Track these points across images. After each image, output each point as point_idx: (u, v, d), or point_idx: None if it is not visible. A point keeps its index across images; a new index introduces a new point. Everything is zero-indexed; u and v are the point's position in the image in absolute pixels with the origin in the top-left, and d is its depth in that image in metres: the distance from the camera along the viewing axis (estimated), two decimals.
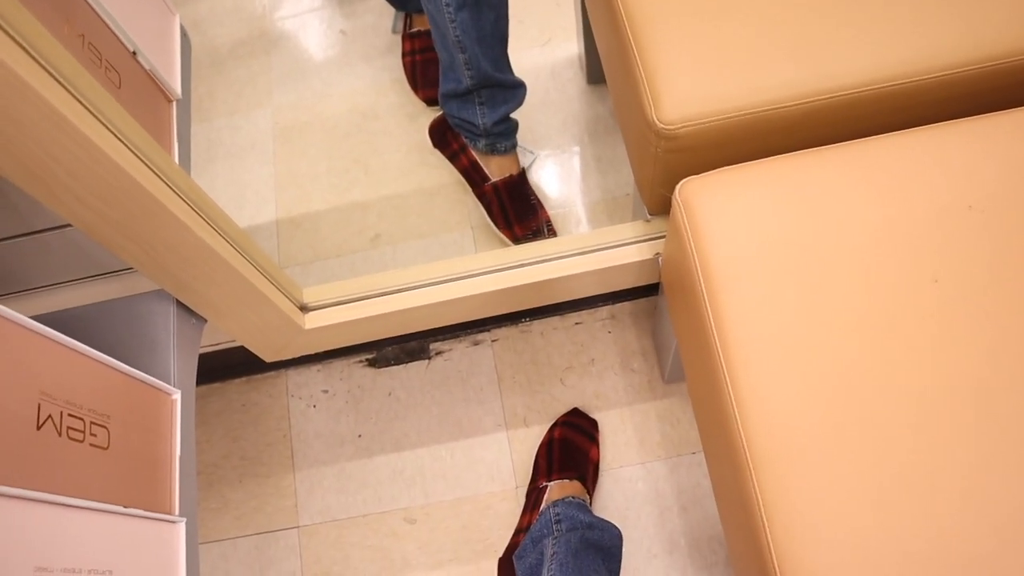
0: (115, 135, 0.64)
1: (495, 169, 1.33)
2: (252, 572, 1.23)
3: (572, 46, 1.51)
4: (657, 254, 0.99)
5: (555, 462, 1.18)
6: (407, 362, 1.30)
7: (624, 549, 1.16)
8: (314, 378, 1.31)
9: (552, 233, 1.34)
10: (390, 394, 1.29)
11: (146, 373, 0.86)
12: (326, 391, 1.31)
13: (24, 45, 0.55)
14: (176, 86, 0.92)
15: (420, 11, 1.49)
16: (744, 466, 0.69)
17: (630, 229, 1.00)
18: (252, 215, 1.44)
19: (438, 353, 1.31)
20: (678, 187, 0.80)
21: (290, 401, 1.31)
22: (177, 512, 0.80)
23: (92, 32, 0.76)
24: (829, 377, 0.70)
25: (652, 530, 1.18)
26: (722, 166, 0.81)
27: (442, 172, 1.42)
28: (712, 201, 0.78)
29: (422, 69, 1.48)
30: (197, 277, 0.82)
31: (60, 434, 0.64)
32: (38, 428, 0.62)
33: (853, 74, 0.81)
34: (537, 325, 1.31)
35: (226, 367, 1.31)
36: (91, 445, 0.68)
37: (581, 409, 1.25)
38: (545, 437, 1.23)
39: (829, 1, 0.83)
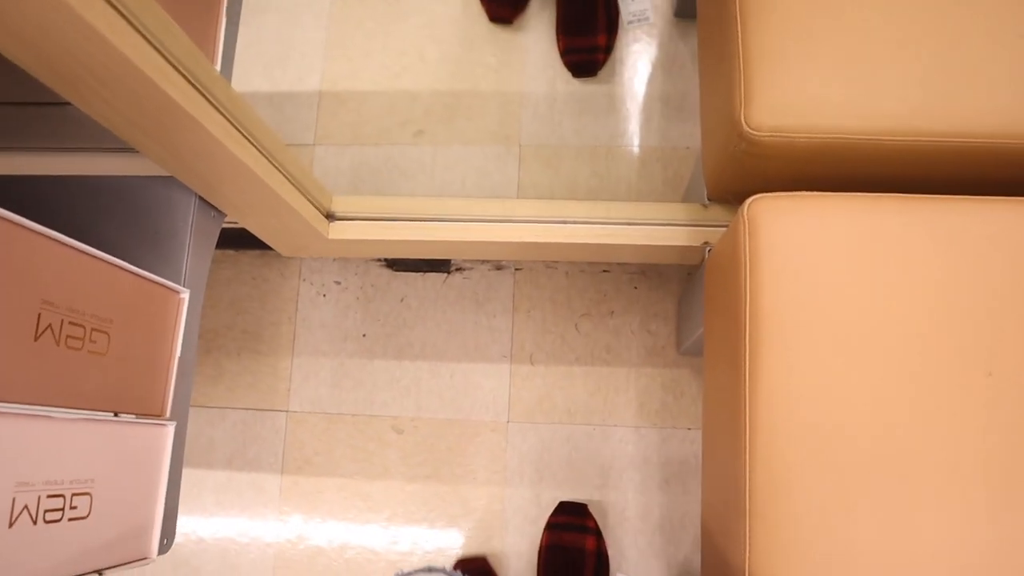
0: (149, 42, 0.58)
1: None
2: (235, 443, 1.24)
3: None
4: (706, 243, 0.93)
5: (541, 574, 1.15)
6: (426, 271, 1.27)
7: (599, 506, 1.17)
8: (329, 267, 1.29)
9: (601, 62, 1.30)
10: (402, 300, 1.27)
11: (159, 262, 0.83)
12: (339, 283, 1.28)
13: None
14: None
15: None
16: (741, 477, 0.68)
17: (684, 211, 0.94)
18: (294, 80, 1.36)
19: (458, 269, 1.27)
20: (748, 202, 0.74)
21: (301, 285, 1.28)
22: (168, 414, 0.79)
23: None
24: (847, 435, 0.67)
25: (631, 494, 1.18)
26: (799, 184, 0.75)
27: (501, 78, 1.34)
28: (781, 227, 0.72)
29: None
30: (224, 182, 0.78)
31: (58, 343, 0.62)
32: (36, 339, 0.59)
33: (979, 121, 0.73)
34: (564, 264, 1.26)
35: (244, 236, 1.28)
36: (89, 352, 0.66)
37: (566, 501, 1.19)
38: (540, 542, 1.18)
39: (976, 36, 0.74)
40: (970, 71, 0.74)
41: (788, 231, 0.72)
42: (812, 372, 0.69)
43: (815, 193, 0.73)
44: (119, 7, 0.53)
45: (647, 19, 1.31)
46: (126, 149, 0.85)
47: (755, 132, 0.74)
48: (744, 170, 0.81)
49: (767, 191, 0.74)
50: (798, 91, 0.74)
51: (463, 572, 1.16)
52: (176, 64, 0.60)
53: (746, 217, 0.73)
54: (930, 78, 0.73)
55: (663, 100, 1.31)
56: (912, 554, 0.65)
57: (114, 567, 0.70)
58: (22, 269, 0.58)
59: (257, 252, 1.29)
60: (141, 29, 0.55)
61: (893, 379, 0.68)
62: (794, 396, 0.69)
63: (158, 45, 0.57)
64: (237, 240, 1.28)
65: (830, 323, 0.70)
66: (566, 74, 1.33)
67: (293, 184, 0.85)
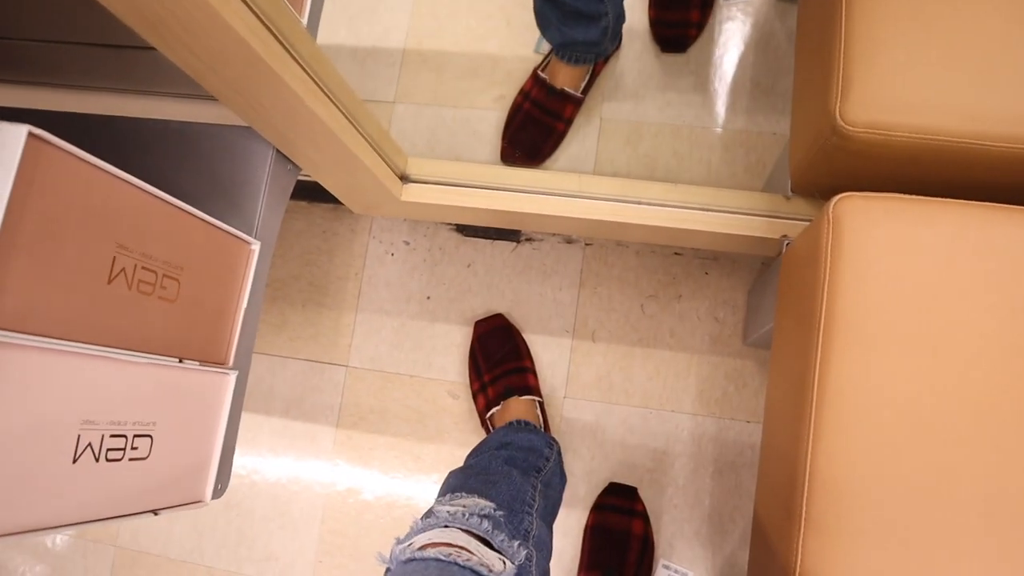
0: None
1: None
2: (294, 393, 1.26)
3: None
4: (784, 236, 0.90)
5: (584, 558, 1.14)
6: (495, 239, 1.26)
7: (649, 490, 1.15)
8: (399, 227, 1.29)
9: (692, 38, 1.27)
10: (469, 266, 1.26)
11: (232, 212, 0.84)
12: (408, 243, 1.28)
13: None
14: None
15: None
16: (799, 484, 0.66)
17: (765, 201, 0.90)
18: (380, 35, 1.35)
19: (528, 239, 1.26)
20: (834, 201, 0.70)
21: (370, 242, 1.29)
22: (231, 363, 0.80)
23: None
24: (918, 450, 0.64)
25: (682, 481, 1.16)
26: (891, 185, 0.71)
27: None
28: (868, 228, 0.69)
29: None
30: (301, 136, 0.78)
31: (130, 287, 0.63)
32: (109, 282, 0.60)
33: None
34: (635, 243, 1.24)
35: (317, 189, 1.28)
36: (159, 298, 0.67)
37: (616, 482, 1.18)
38: (586, 521, 1.18)
39: None
40: None
41: (875, 233, 0.68)
42: (887, 381, 0.66)
43: (908, 196, 0.70)
44: None
45: None
46: (207, 97, 0.86)
47: (850, 127, 0.71)
48: (833, 165, 0.77)
49: (856, 189, 0.71)
50: (900, 86, 0.70)
51: (482, 333, 1.17)
52: (262, 16, 0.59)
53: (831, 215, 0.70)
54: None
55: (753, 82, 1.26)
56: None
57: (169, 508, 0.72)
58: (100, 212, 0.58)
59: (329, 206, 1.30)
60: None
61: (974, 397, 0.65)
62: (865, 404, 0.66)
63: None
64: (311, 192, 1.29)
65: (910, 333, 0.66)
66: (654, 48, 1.29)
67: (370, 144, 0.85)
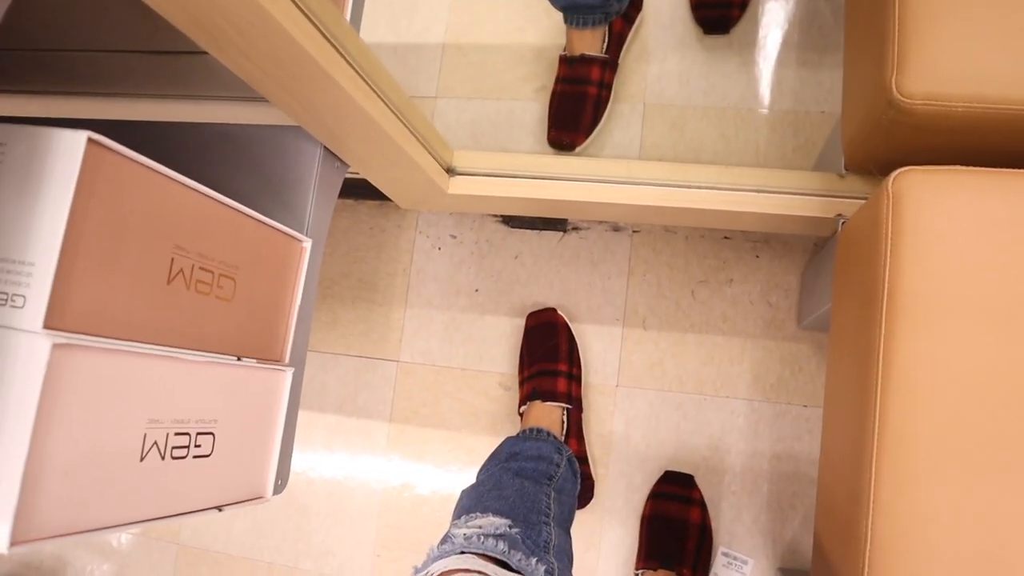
0: None
1: None
2: (346, 389, 1.27)
3: None
4: (839, 215, 0.88)
5: (642, 548, 1.13)
6: (542, 229, 1.26)
7: (706, 478, 1.14)
8: (445, 220, 1.29)
9: (735, 19, 1.26)
10: (516, 257, 1.26)
11: (284, 210, 0.85)
12: (454, 236, 1.28)
13: None
14: None
15: None
16: (866, 468, 0.64)
17: (818, 180, 0.89)
18: (419, 31, 1.36)
19: (575, 229, 1.25)
20: (894, 175, 0.69)
21: (417, 237, 1.29)
22: (287, 360, 0.81)
23: None
24: (989, 432, 0.62)
25: (739, 467, 1.15)
26: (950, 158, 0.69)
27: None
28: (930, 203, 0.67)
29: None
30: (350, 133, 0.78)
31: (188, 288, 0.64)
32: (168, 282, 0.61)
33: None
34: (684, 228, 1.22)
35: (363, 186, 1.29)
36: (216, 297, 0.68)
37: (672, 470, 1.17)
38: (643, 510, 1.17)
39: None
40: None
41: (938, 208, 0.67)
42: (955, 361, 0.64)
43: (970, 168, 0.67)
44: None
45: None
46: (256, 99, 0.87)
47: (907, 100, 0.69)
48: (890, 140, 0.75)
49: (913, 163, 0.69)
50: (957, 56, 0.68)
51: (531, 327, 1.18)
52: (311, 16, 0.60)
53: (891, 191, 0.68)
54: None
55: (799, 61, 1.24)
56: None
57: (232, 504, 0.73)
58: (158, 214, 0.59)
59: (376, 202, 1.31)
60: None
61: None
62: (933, 385, 0.64)
63: (298, 1, 0.57)
64: (356, 190, 1.29)
65: (978, 311, 0.64)
66: (697, 30, 1.27)
67: (417, 138, 0.85)
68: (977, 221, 0.66)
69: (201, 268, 0.65)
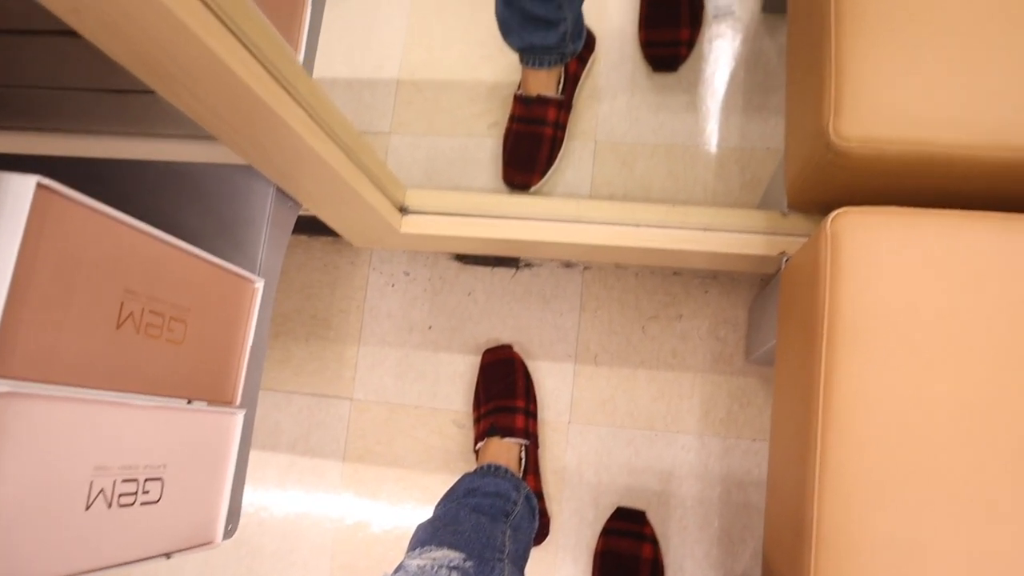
0: (238, 38, 0.58)
1: None
2: (299, 428, 1.26)
3: None
4: (783, 253, 0.91)
5: None
6: (495, 266, 1.27)
7: (657, 513, 1.15)
8: (399, 258, 1.29)
9: (683, 57, 1.29)
10: (470, 294, 1.27)
11: (235, 250, 0.84)
12: (408, 273, 1.29)
13: None
14: None
15: None
16: (809, 501, 0.66)
17: (762, 219, 0.91)
18: (374, 67, 1.37)
19: (527, 265, 1.26)
20: (832, 215, 0.71)
21: (371, 274, 1.29)
22: (238, 402, 0.80)
23: None
24: (927, 462, 0.64)
25: (690, 502, 1.16)
26: (887, 198, 0.72)
27: None
28: (866, 243, 0.69)
29: None
30: (302, 173, 0.79)
31: (138, 332, 0.63)
32: (118, 327, 0.61)
33: None
34: (634, 265, 1.24)
35: (316, 223, 1.29)
36: (167, 340, 0.67)
37: (624, 506, 1.18)
38: (596, 546, 1.17)
39: None
40: None
41: (874, 248, 0.69)
42: (892, 394, 0.66)
43: (905, 209, 0.70)
44: (211, 4, 0.53)
45: (732, 13, 1.28)
46: (207, 137, 0.87)
47: (844, 142, 0.71)
48: (830, 181, 0.78)
49: (852, 203, 0.72)
50: (892, 98, 0.71)
51: (486, 363, 1.17)
52: (259, 56, 0.60)
53: (829, 231, 0.71)
54: None
55: (745, 99, 1.28)
56: None
57: (181, 550, 0.72)
58: (108, 258, 0.59)
59: (329, 239, 1.31)
60: (231, 26, 0.56)
61: (978, 408, 0.65)
62: (871, 419, 0.66)
63: (246, 41, 0.58)
64: (310, 226, 1.29)
65: (913, 345, 0.67)
66: (646, 68, 1.30)
67: (369, 178, 0.86)
68: (911, 259, 0.68)
69: (151, 311, 0.65)
